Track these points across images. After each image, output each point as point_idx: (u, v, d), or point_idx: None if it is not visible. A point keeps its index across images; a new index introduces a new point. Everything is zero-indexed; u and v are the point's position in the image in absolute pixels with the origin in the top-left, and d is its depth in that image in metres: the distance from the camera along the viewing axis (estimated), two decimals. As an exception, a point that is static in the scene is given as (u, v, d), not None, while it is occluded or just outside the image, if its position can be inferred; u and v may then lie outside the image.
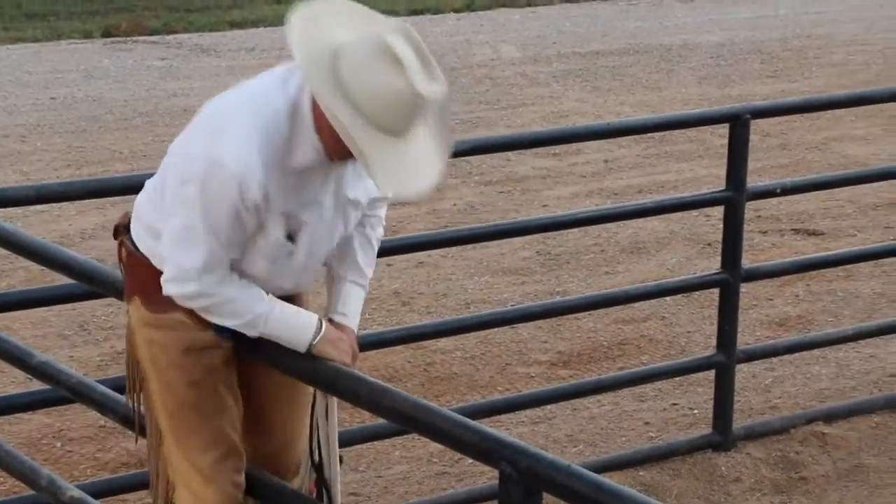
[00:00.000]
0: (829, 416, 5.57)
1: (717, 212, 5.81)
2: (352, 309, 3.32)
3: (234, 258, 3.08)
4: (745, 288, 5.51)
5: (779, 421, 5.53)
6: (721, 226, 5.29)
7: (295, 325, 3.13)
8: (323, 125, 2.93)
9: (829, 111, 9.60)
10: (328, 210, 3.14)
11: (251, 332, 3.13)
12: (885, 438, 5.47)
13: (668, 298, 6.64)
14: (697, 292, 6.44)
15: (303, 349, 3.13)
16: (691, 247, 7.68)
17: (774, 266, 5.99)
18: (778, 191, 5.68)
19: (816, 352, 6.03)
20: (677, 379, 5.77)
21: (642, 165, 9.45)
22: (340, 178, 3.13)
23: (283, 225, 3.05)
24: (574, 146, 9.24)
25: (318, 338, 3.14)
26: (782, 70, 12.70)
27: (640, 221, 7.74)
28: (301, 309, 3.19)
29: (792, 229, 8.03)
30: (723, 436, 5.31)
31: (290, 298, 3.24)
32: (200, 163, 2.97)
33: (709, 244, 7.55)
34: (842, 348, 6.14)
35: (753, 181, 5.51)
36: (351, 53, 2.88)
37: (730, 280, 5.26)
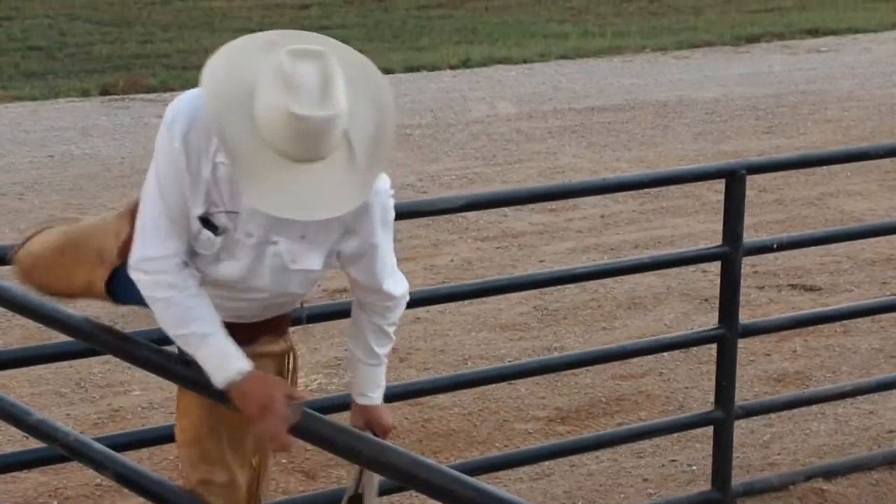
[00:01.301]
0: (829, 473, 5.54)
1: (714, 267, 5.82)
2: (371, 389, 3.48)
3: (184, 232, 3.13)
4: (742, 343, 5.51)
5: (778, 478, 5.51)
6: (718, 281, 5.30)
7: (225, 360, 3.14)
8: None
9: (825, 167, 9.63)
10: (253, 233, 3.14)
11: (183, 346, 3.19)
12: (885, 495, 5.45)
13: (665, 354, 6.62)
14: (695, 348, 6.44)
15: (219, 384, 3.14)
16: (688, 302, 7.69)
17: (772, 321, 5.99)
18: (774, 246, 5.69)
19: (815, 408, 6.02)
20: (676, 435, 5.75)
21: (639, 221, 9.46)
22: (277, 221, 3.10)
23: (202, 203, 3.09)
24: (571, 202, 9.26)
25: (238, 382, 3.11)
26: (777, 126, 12.75)
27: (637, 277, 7.74)
28: (240, 353, 3.18)
29: (789, 285, 8.04)
30: (722, 493, 5.28)
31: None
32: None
33: (706, 300, 7.56)
34: (840, 404, 6.13)
35: (750, 236, 5.52)
36: (261, 74, 2.93)
37: (727, 335, 5.26)
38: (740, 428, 5.56)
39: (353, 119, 2.97)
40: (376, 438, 3.08)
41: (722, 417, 5.28)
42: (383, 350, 3.45)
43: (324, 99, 2.89)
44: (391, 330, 3.45)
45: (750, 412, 5.58)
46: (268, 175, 2.91)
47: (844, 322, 6.94)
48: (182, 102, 3.14)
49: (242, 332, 3.28)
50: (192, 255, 3.20)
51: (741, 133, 12.43)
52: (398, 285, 3.37)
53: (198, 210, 3.11)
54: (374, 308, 3.39)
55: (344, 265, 3.31)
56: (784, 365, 6.78)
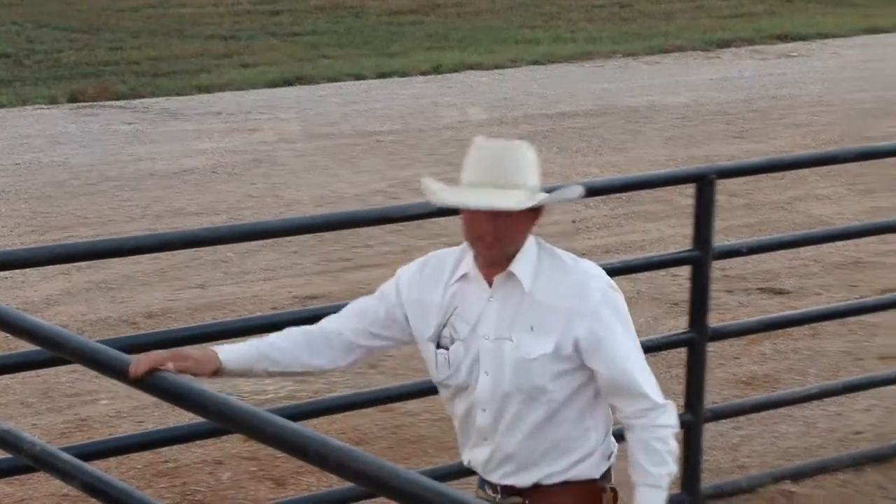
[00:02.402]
0: (797, 475, 5.57)
1: (684, 271, 5.83)
2: None
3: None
4: (712, 347, 5.52)
5: (747, 480, 5.52)
6: (688, 285, 5.31)
7: None
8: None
9: (794, 171, 9.69)
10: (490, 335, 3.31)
11: None
12: (852, 497, 5.48)
13: (636, 358, 6.63)
14: (665, 351, 6.45)
15: None
16: (658, 306, 7.71)
17: (741, 325, 6.01)
18: (744, 250, 5.71)
19: (783, 410, 6.04)
20: (647, 439, 5.75)
21: (610, 226, 9.49)
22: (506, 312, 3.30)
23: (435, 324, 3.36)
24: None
25: None
26: (747, 131, 12.81)
27: (608, 282, 7.75)
28: None
29: (758, 288, 8.07)
30: (691, 496, 5.29)
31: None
32: None
33: (676, 303, 7.58)
34: (808, 406, 6.15)
35: (720, 241, 5.54)
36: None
37: (697, 339, 5.27)
38: (710, 431, 5.57)
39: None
40: (345, 444, 3.07)
41: (691, 421, 5.29)
42: (658, 468, 3.38)
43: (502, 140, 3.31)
44: (662, 447, 3.38)
45: (719, 415, 5.59)
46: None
47: (812, 325, 6.97)
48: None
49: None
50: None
51: (711, 138, 12.48)
52: (653, 387, 3.37)
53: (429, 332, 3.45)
54: (637, 418, 3.37)
55: (589, 359, 3.31)
56: (753, 368, 6.81)
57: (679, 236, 8.67)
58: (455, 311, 3.33)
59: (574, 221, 9.51)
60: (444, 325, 3.34)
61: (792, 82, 15.37)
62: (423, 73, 16.10)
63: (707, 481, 5.39)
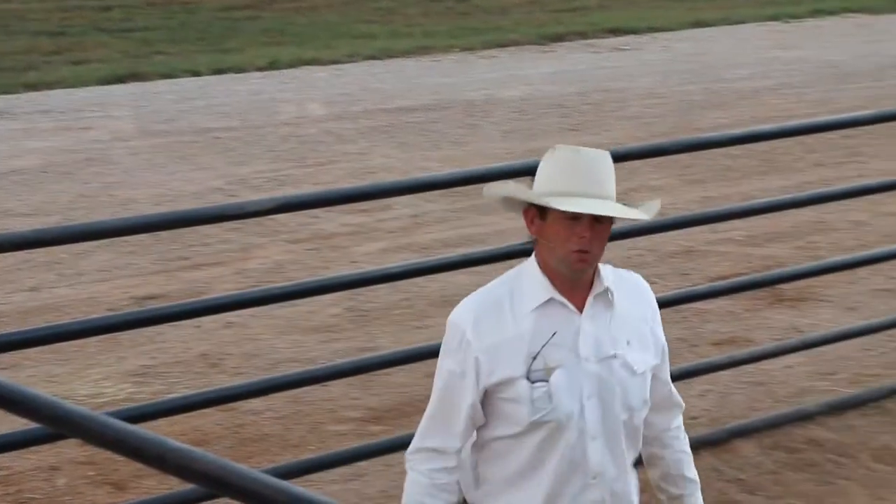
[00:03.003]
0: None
1: (523, 263, 5.89)
2: None
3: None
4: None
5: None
6: (526, 277, 5.36)
7: None
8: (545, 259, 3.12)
9: (627, 162, 9.85)
10: (588, 359, 3.14)
11: None
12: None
13: (477, 351, 6.68)
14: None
15: None
16: (499, 299, 7.77)
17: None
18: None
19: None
20: (489, 430, 5.80)
21: (450, 220, 9.54)
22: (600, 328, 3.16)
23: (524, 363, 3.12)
24: (382, 202, 9.28)
25: None
26: (582, 123, 13.01)
27: (449, 275, 7.77)
28: None
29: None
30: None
31: None
32: None
33: (516, 296, 7.65)
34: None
35: (556, 232, 5.60)
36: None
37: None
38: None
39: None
40: (185, 445, 3.03)
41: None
42: (693, 471, 3.45)
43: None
44: (691, 455, 3.45)
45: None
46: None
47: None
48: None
49: None
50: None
51: (548, 131, 12.64)
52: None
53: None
54: (677, 432, 3.41)
55: (659, 368, 3.33)
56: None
57: (518, 229, 8.75)
58: (549, 340, 3.11)
59: (414, 216, 9.54)
60: (535, 357, 3.11)
61: (624, 75, 15.65)
62: (260, 69, 15.96)
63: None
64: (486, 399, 3.14)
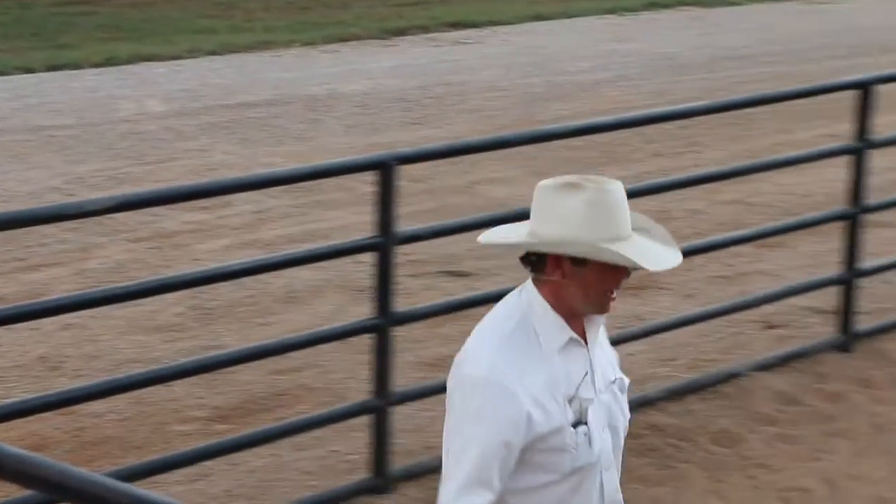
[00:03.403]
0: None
1: (369, 258, 5.90)
2: None
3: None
4: (398, 331, 5.60)
5: (436, 461, 5.62)
6: (373, 272, 5.37)
7: None
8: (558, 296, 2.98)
9: (472, 155, 9.92)
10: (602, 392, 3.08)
11: None
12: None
13: (323, 346, 6.65)
14: (353, 338, 6.50)
15: None
16: (345, 294, 7.76)
17: (425, 309, 6.13)
18: (426, 234, 5.82)
19: (469, 389, 6.18)
20: (335, 426, 5.79)
21: (293, 215, 9.48)
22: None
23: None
24: (224, 199, 9.18)
25: None
26: (425, 117, 13.04)
27: (294, 271, 7.75)
28: None
29: (442, 272, 8.23)
30: (381, 479, 5.36)
31: None
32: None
33: (362, 290, 7.63)
34: (493, 384, 6.31)
35: (403, 226, 5.62)
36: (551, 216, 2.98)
37: (382, 324, 5.34)
38: (399, 414, 5.66)
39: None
40: (22, 450, 2.95)
41: (379, 405, 5.37)
42: None
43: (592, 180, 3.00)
44: None
45: (407, 398, 5.68)
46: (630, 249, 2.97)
47: (494, 304, 7.16)
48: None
49: None
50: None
51: (391, 125, 12.64)
52: None
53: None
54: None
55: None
56: (439, 350, 6.94)
57: (363, 223, 8.73)
58: (583, 379, 3.02)
59: (257, 212, 9.45)
60: (572, 400, 2.99)
61: (466, 69, 15.74)
62: (97, 65, 15.63)
63: (398, 464, 5.47)
64: (522, 453, 2.97)
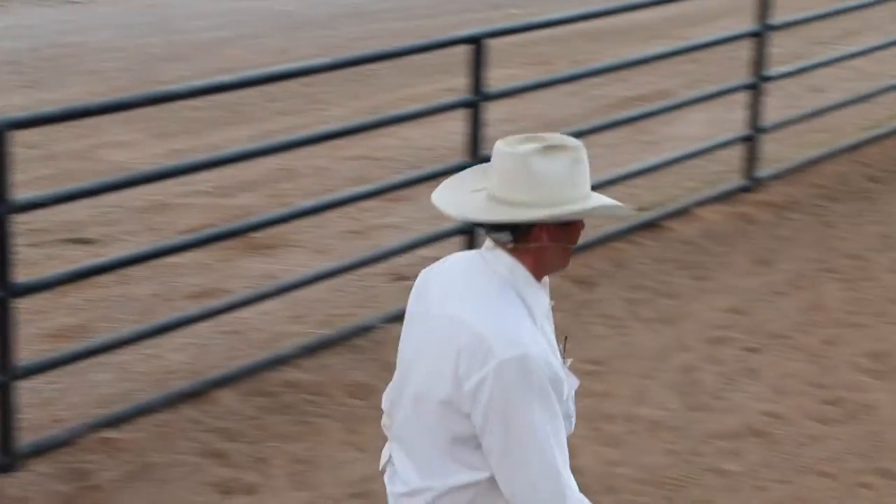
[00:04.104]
0: (114, 421, 5.58)
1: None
2: None
3: None
4: (20, 303, 5.37)
5: (66, 433, 5.45)
6: (-13, 242, 5.11)
7: None
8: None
9: (91, 119, 9.59)
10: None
11: None
12: (169, 434, 5.59)
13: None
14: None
15: None
16: None
17: (48, 278, 5.89)
18: (46, 202, 5.59)
19: (99, 358, 6.01)
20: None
21: None
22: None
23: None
24: None
25: None
26: (38, 81, 12.52)
27: None
28: None
29: (63, 240, 7.95)
30: (8, 457, 5.15)
31: None
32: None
33: None
34: (123, 352, 6.16)
35: (20, 193, 5.38)
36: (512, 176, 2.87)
37: (1, 297, 5.10)
38: (24, 388, 5.43)
39: None
40: None
41: (3, 381, 5.14)
42: None
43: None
44: None
45: (32, 371, 5.47)
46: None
47: (121, 271, 6.97)
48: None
49: None
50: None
51: (3, 89, 12.07)
52: None
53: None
54: None
55: None
56: (64, 320, 6.71)
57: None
58: (566, 345, 3.02)
59: None
60: (564, 366, 2.97)
61: (79, 30, 15.20)
62: None
63: (25, 440, 5.26)
64: None
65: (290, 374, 6.28)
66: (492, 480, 2.87)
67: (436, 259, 3.20)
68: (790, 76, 9.82)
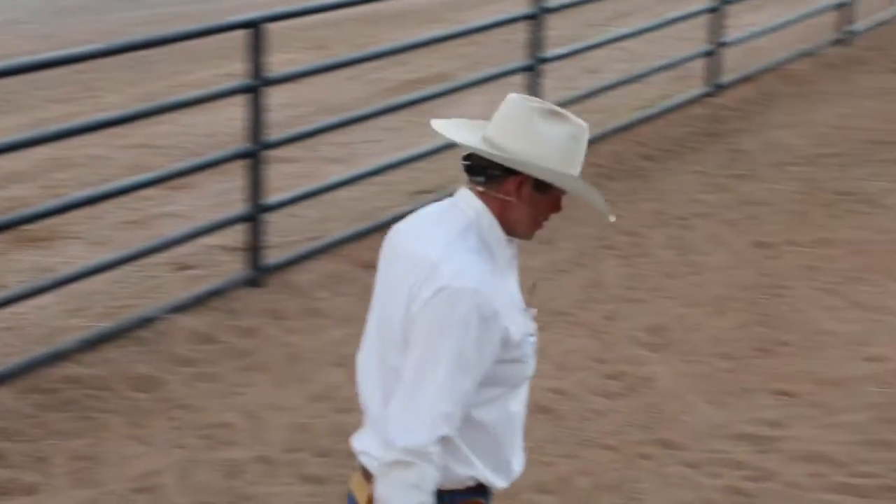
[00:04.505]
0: None
1: None
2: None
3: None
4: None
5: None
6: None
7: None
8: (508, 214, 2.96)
9: None
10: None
11: None
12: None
13: None
14: None
15: None
16: None
17: None
18: None
19: None
20: None
21: None
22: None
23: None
24: None
25: None
26: None
27: None
28: None
29: None
30: None
31: None
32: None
33: None
34: None
35: None
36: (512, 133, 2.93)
37: None
38: None
39: None
40: None
41: None
42: None
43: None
44: None
45: None
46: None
47: None
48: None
49: None
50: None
51: None
52: None
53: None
54: None
55: None
56: None
57: None
58: (531, 290, 3.07)
59: None
60: (526, 310, 3.03)
61: None
62: None
63: None
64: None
65: (70, 369, 6.11)
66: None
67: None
68: (566, 58, 10.01)
